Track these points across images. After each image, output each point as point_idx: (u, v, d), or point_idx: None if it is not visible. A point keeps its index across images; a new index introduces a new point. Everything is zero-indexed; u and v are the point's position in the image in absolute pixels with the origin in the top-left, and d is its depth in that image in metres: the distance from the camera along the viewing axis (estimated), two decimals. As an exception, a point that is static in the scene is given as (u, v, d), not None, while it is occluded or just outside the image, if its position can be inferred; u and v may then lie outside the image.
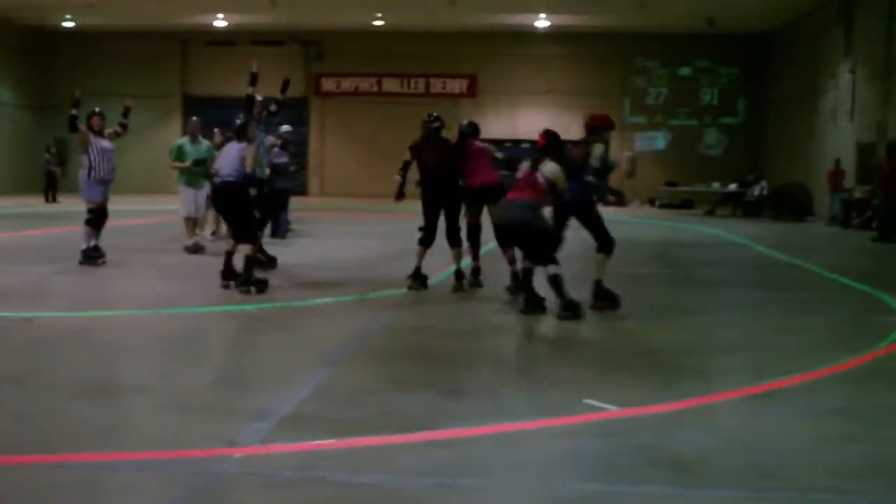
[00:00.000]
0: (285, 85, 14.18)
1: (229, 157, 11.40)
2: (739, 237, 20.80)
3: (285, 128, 19.43)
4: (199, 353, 8.20)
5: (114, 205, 14.05)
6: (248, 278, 10.80)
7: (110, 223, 14.22)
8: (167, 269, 13.66)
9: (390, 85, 38.61)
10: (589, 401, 6.34)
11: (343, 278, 12.74)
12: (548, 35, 37.14)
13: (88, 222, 13.79)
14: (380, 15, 34.99)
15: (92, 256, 13.57)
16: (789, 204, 28.51)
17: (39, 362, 7.43)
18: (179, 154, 16.41)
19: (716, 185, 33.13)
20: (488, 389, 6.85)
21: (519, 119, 38.34)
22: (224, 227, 15.82)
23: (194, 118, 17.31)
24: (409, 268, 11.47)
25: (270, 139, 16.16)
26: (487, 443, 5.58)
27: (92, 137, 13.99)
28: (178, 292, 11.39)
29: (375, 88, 38.68)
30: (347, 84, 38.87)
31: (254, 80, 12.99)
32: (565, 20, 35.08)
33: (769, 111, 36.52)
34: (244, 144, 11.54)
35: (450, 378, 7.04)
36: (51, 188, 31.70)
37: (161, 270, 13.52)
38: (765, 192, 30.07)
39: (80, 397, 6.35)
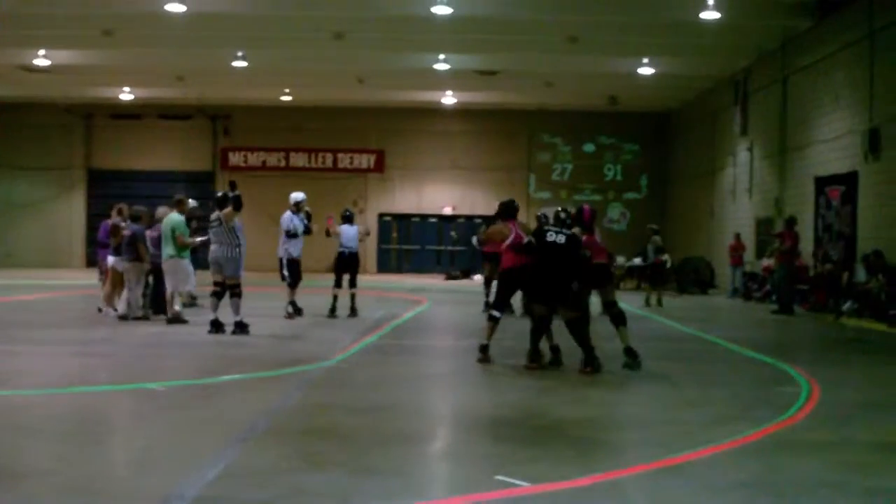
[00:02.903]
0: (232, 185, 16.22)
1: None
2: (644, 311, 21.09)
3: (191, 202, 19.15)
4: (101, 434, 7.99)
5: (11, 279, 13.72)
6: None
7: (15, 298, 13.88)
8: (71, 345, 13.38)
9: (298, 159, 38.58)
10: (501, 477, 6.33)
11: (253, 354, 12.59)
12: (454, 111, 37.63)
13: (239, 295, 14.72)
14: (288, 90, 35.10)
15: (245, 325, 14.54)
16: (693, 277, 29.05)
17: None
18: (186, 230, 16.05)
19: (621, 260, 33.62)
20: (399, 467, 6.80)
21: (425, 194, 38.67)
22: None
23: (190, 200, 17.72)
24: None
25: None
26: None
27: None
28: (81, 369, 11.14)
29: (283, 163, 38.62)
30: (254, 158, 38.76)
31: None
32: (472, 97, 35.59)
33: (671, 186, 37.41)
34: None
35: (360, 456, 6.96)
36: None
37: (64, 346, 13.24)
38: (668, 265, 30.57)
39: (-23, 481, 6.15)
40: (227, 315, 14.59)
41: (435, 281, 32.84)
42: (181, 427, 8.00)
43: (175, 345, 13.43)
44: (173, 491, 5.87)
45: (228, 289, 14.69)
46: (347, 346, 13.15)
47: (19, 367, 11.44)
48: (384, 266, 38.41)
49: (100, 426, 8.31)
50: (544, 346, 11.84)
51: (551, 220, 12.59)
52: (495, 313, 12.33)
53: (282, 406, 8.96)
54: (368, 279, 31.41)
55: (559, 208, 12.84)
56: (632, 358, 11.74)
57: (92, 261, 32.33)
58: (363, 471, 6.52)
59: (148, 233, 16.43)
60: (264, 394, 9.57)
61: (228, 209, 14.82)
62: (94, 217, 34.95)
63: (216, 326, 14.58)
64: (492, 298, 15.53)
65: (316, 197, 22.42)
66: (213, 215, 15.02)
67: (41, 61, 28.52)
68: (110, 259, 16.93)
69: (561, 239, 11.56)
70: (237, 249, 14.71)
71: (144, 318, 16.13)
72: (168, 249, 15.73)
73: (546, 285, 11.57)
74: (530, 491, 6.09)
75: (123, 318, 15.94)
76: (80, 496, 5.92)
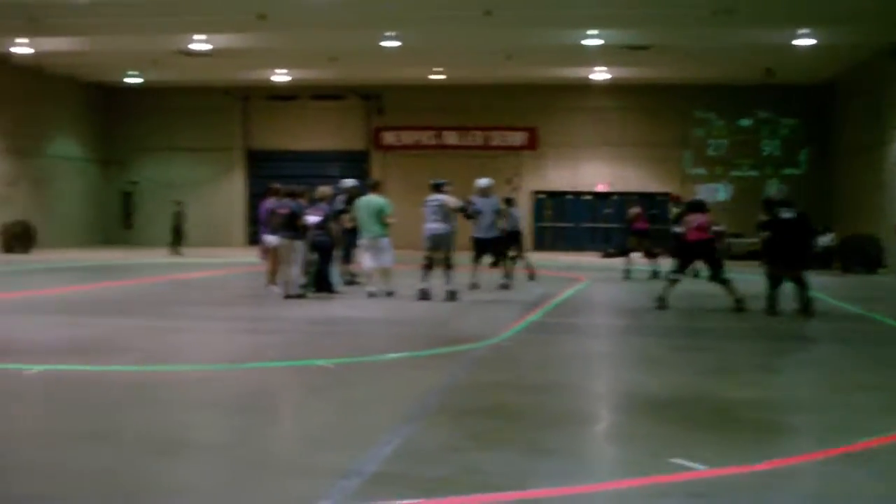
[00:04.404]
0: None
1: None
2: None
3: (349, 182, 19.48)
4: (274, 410, 8.20)
5: (175, 258, 14.18)
6: None
7: (182, 276, 14.35)
8: (238, 322, 13.76)
9: (450, 138, 38.77)
10: (676, 460, 6.22)
11: (417, 332, 12.75)
12: (606, 87, 37.18)
13: (452, 267, 16.64)
14: (439, 69, 35.24)
15: (455, 293, 16.41)
16: (858, 255, 27.98)
17: (118, 418, 7.45)
18: (390, 211, 17.41)
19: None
20: (571, 447, 6.76)
21: (579, 171, 38.35)
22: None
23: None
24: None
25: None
26: (575, 503, 5.50)
27: None
28: (250, 346, 11.44)
29: (435, 142, 38.87)
30: (407, 137, 39.12)
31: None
32: (623, 73, 35.10)
33: (833, 161, 36.07)
34: None
35: (532, 436, 6.95)
36: (177, 241, 31.98)
37: (231, 323, 13.62)
38: (832, 243, 29.60)
39: (160, 454, 6.36)
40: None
41: (591, 259, 32.58)
42: (352, 404, 8.12)
43: (339, 322, 13.65)
44: (350, 467, 5.95)
45: (443, 262, 16.35)
46: (510, 325, 13.15)
47: (191, 343, 11.83)
48: (539, 243, 38.34)
49: (272, 402, 8.51)
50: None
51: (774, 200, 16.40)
52: (675, 276, 15.96)
53: (450, 384, 9.01)
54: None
55: (780, 188, 14.67)
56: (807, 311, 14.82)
57: (252, 239, 33.24)
58: (536, 451, 6.50)
59: (309, 212, 16.70)
60: (432, 372, 9.63)
61: (450, 193, 16.66)
62: (254, 197, 35.89)
63: (424, 295, 16.28)
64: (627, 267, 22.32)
65: (469, 175, 22.42)
66: (434, 197, 16.47)
67: (200, 46, 29.35)
68: (270, 238, 17.28)
69: (792, 215, 14.94)
70: (452, 228, 16.50)
71: (302, 296, 16.41)
72: (374, 228, 16.88)
73: (784, 253, 14.90)
74: (708, 475, 5.97)
75: (288, 296, 16.27)
76: (256, 470, 6.05)
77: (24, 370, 9.36)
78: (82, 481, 5.73)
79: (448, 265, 16.44)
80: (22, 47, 30.55)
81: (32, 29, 27.07)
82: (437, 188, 16.78)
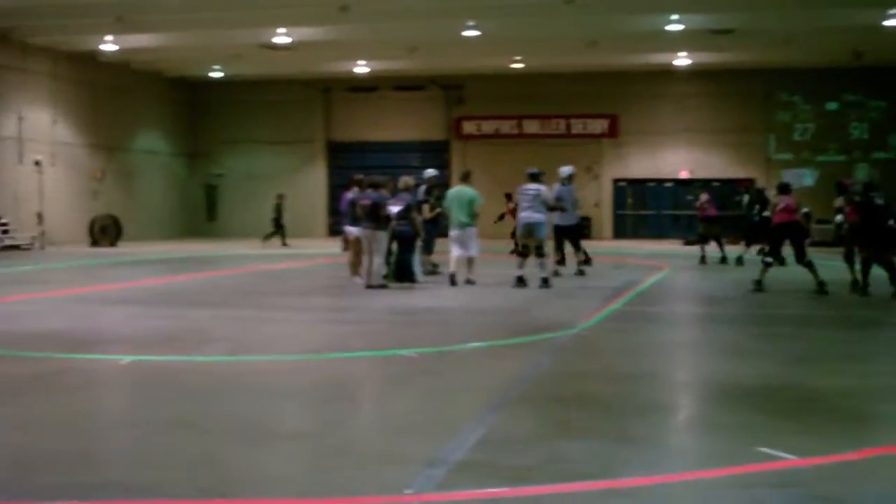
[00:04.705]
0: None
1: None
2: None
3: (431, 172, 19.57)
4: (359, 399, 8.29)
5: (258, 249, 14.38)
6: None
7: (266, 267, 14.54)
8: (321, 312, 13.91)
9: (531, 126, 38.68)
10: (764, 449, 6.15)
11: (499, 321, 12.77)
12: (688, 73, 36.75)
13: (545, 255, 17.08)
14: (519, 58, 35.15)
15: (547, 280, 16.66)
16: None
17: (208, 407, 7.59)
18: (481, 202, 17.84)
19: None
20: (656, 436, 6.74)
21: (661, 158, 37.97)
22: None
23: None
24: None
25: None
26: (663, 492, 5.47)
27: None
28: (334, 336, 11.55)
29: (516, 130, 38.80)
30: (488, 126, 39.12)
31: None
32: (706, 58, 34.67)
33: (925, 144, 35.21)
34: None
35: (617, 425, 6.93)
36: (280, 233, 32.43)
37: (315, 313, 13.77)
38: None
39: (249, 443, 6.47)
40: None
41: (673, 246, 32.26)
42: (436, 393, 8.17)
43: (420, 312, 13.72)
44: (436, 455, 5.99)
45: (535, 250, 16.57)
46: (592, 313, 13.11)
47: (276, 333, 11.98)
48: (620, 231, 38.09)
49: (357, 391, 8.60)
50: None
51: (858, 188, 16.56)
52: (769, 259, 16.27)
53: (533, 373, 9.02)
54: (605, 245, 31.25)
55: (871, 172, 14.61)
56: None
57: (334, 230, 33.51)
58: (622, 440, 6.48)
59: (391, 202, 16.79)
60: (514, 361, 9.65)
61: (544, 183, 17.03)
62: (335, 188, 36.19)
63: (521, 282, 16.50)
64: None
65: (550, 164, 22.35)
66: (530, 186, 16.63)
67: (282, 39, 29.65)
68: (352, 229, 17.41)
69: (881, 201, 15.30)
70: (546, 217, 16.83)
71: (384, 286, 16.50)
72: (464, 219, 17.34)
73: (873, 235, 15.15)
74: (796, 464, 5.89)
75: (370, 286, 16.38)
76: (343, 458, 6.12)
77: (117, 360, 9.58)
78: (174, 469, 5.85)
79: (541, 253, 16.67)
80: (109, 44, 31.20)
81: (119, 27, 27.61)
82: (534, 178, 16.91)
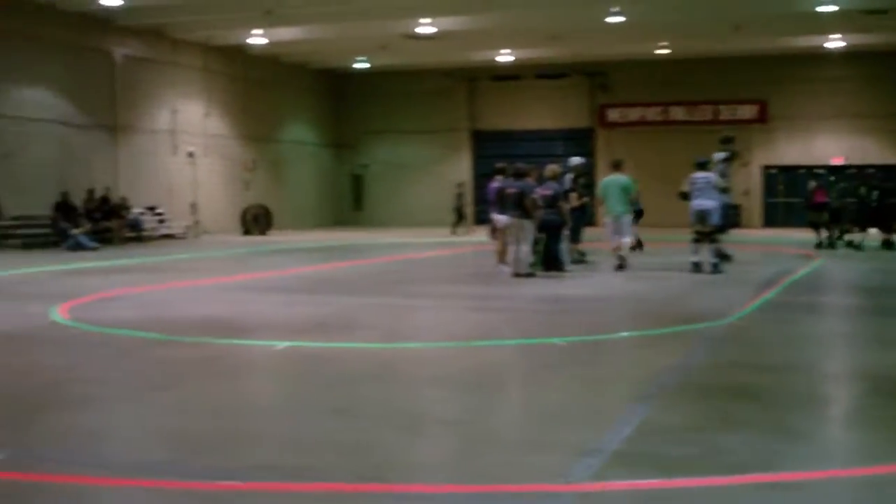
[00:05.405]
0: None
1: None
2: None
3: (577, 160, 19.47)
4: (511, 387, 8.27)
5: (404, 237, 14.52)
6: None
7: (414, 256, 14.65)
8: (469, 300, 13.94)
9: (677, 113, 38.06)
10: (934, 445, 5.91)
11: (648, 310, 12.62)
12: (841, 56, 35.60)
13: (716, 241, 17.33)
14: (664, 43, 34.61)
15: (718, 265, 17.02)
16: None
17: (362, 392, 7.68)
18: (635, 190, 18.51)
19: None
20: (817, 430, 6.55)
21: (813, 144, 36.91)
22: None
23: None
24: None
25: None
26: (827, 488, 5.30)
27: None
28: (482, 324, 11.57)
29: (661, 117, 38.23)
30: (633, 114, 38.66)
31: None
32: (860, 39, 33.48)
33: None
34: None
35: (775, 417, 6.74)
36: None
37: (463, 301, 13.82)
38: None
39: (401, 429, 6.51)
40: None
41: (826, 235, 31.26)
42: (587, 382, 8.09)
43: (568, 300, 13.65)
44: (591, 445, 5.92)
45: (708, 236, 16.92)
46: (745, 303, 12.81)
47: (425, 321, 12.09)
48: (771, 220, 37.19)
49: (507, 379, 8.59)
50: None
51: None
52: None
53: (686, 363, 8.86)
54: (755, 234, 30.56)
55: None
56: None
57: (480, 219, 33.65)
58: (781, 433, 6.29)
59: (539, 190, 16.73)
60: (667, 350, 9.50)
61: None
62: (480, 177, 36.27)
63: (696, 267, 16.85)
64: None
65: (696, 150, 21.92)
66: (700, 174, 16.95)
67: (425, 29, 29.83)
68: (500, 217, 17.41)
69: None
70: (717, 203, 17.05)
71: (531, 274, 16.45)
72: (618, 207, 17.74)
73: None
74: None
75: (517, 275, 16.36)
76: (494, 445, 6.12)
77: (272, 346, 9.79)
78: (329, 453, 5.93)
79: (713, 240, 17.04)
80: (258, 38, 31.91)
81: (268, 20, 28.22)
82: (702, 166, 17.28)
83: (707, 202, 16.90)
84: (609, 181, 18.10)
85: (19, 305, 13.35)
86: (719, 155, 18.99)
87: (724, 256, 18.52)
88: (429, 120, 40.69)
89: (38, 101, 27.37)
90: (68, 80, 28.32)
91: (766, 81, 36.86)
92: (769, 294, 14.11)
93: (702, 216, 16.94)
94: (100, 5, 27.20)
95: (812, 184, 23.86)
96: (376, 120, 41.48)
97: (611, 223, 17.82)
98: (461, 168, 40.79)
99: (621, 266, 17.50)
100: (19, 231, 25.98)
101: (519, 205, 16.38)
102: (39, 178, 27.07)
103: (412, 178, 40.41)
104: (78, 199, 27.33)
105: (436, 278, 17.52)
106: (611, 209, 17.83)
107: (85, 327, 11.12)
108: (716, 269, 16.87)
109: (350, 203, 42.34)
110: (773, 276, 16.91)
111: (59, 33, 27.75)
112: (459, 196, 33.50)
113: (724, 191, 18.29)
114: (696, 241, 17.14)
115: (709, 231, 17.03)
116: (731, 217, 19.69)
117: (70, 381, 8.22)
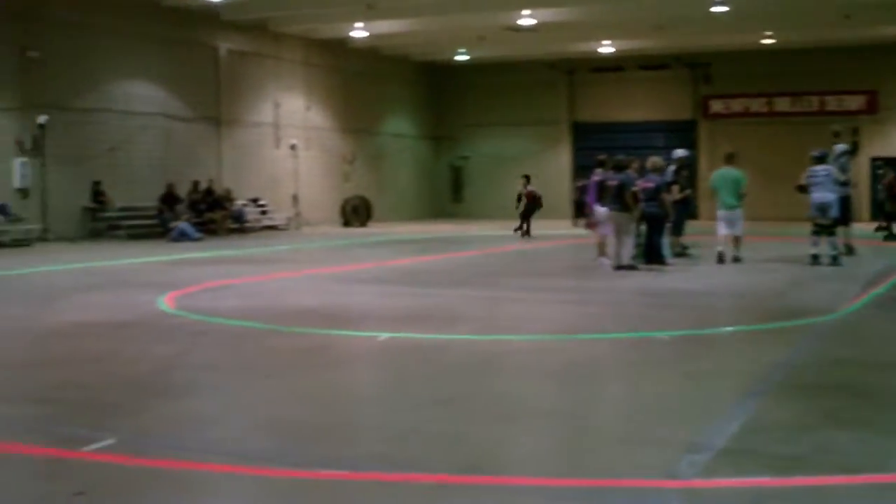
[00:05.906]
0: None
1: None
2: None
3: (680, 152, 19.23)
4: (614, 380, 8.19)
5: (505, 230, 14.42)
6: None
7: (513, 248, 14.62)
8: (569, 293, 13.87)
9: (782, 104, 37.28)
10: None
11: (752, 305, 12.40)
12: (956, 44, 34.52)
13: (833, 234, 17.20)
14: (769, 33, 33.94)
15: (837, 258, 16.90)
16: None
17: (463, 383, 7.69)
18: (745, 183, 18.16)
19: None
20: (934, 430, 6.35)
21: (926, 135, 35.86)
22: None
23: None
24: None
25: None
26: (945, 490, 5.14)
27: None
28: (583, 317, 11.51)
29: (766, 109, 37.51)
30: (736, 105, 37.99)
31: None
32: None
33: None
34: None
35: (888, 416, 6.57)
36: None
37: (563, 294, 13.75)
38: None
39: (501, 421, 6.50)
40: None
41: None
42: (692, 377, 7.97)
43: (670, 294, 13.51)
44: (696, 440, 5.84)
45: (827, 228, 16.94)
46: (853, 299, 12.51)
47: (525, 313, 12.03)
48: (881, 214, 36.20)
49: (610, 372, 8.51)
50: None
51: None
52: None
53: (794, 359, 8.68)
54: (864, 227, 29.82)
55: None
56: None
57: (580, 212, 33.43)
58: (895, 433, 6.14)
59: (640, 183, 16.57)
60: (772, 346, 9.32)
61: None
62: (580, 169, 36.01)
63: (815, 259, 16.88)
64: None
65: (801, 142, 21.48)
66: (819, 167, 16.97)
67: (526, 21, 29.71)
68: (600, 210, 17.27)
69: None
70: (836, 196, 17.07)
71: (632, 267, 16.28)
72: (730, 200, 17.60)
73: None
74: None
75: (618, 268, 16.22)
76: (597, 439, 6.11)
77: (374, 337, 9.86)
78: (432, 444, 5.95)
79: (831, 233, 17.02)
80: (359, 31, 32.12)
81: (370, 13, 28.38)
82: (820, 159, 17.22)
83: (827, 195, 16.95)
84: (721, 174, 18.01)
85: (128, 295, 13.66)
86: (840, 147, 18.61)
87: (849, 249, 18.51)
88: (528, 112, 40.54)
89: (144, 95, 27.97)
90: (174, 74, 28.90)
91: (875, 71, 35.86)
92: (879, 289, 13.76)
93: (822, 209, 16.95)
94: (205, 1, 27.69)
95: (889, 175, 23.56)
96: (476, 112, 41.48)
97: (724, 215, 17.73)
98: (561, 160, 40.57)
99: (737, 259, 17.42)
100: (126, 222, 26.60)
101: (619, 197, 16.23)
102: (145, 171, 27.72)
103: (512, 171, 40.27)
104: (183, 191, 27.89)
105: (536, 271, 17.46)
106: (723, 202, 17.72)
107: (192, 316, 11.34)
108: (834, 261, 16.79)
109: (449, 195, 42.44)
110: (884, 270, 16.50)
111: (166, 29, 28.32)
112: (579, 189, 33.34)
113: (844, 184, 18.08)
114: (816, 233, 17.17)
115: (828, 224, 17.00)
116: (851, 210, 19.23)
117: (178, 369, 8.40)
